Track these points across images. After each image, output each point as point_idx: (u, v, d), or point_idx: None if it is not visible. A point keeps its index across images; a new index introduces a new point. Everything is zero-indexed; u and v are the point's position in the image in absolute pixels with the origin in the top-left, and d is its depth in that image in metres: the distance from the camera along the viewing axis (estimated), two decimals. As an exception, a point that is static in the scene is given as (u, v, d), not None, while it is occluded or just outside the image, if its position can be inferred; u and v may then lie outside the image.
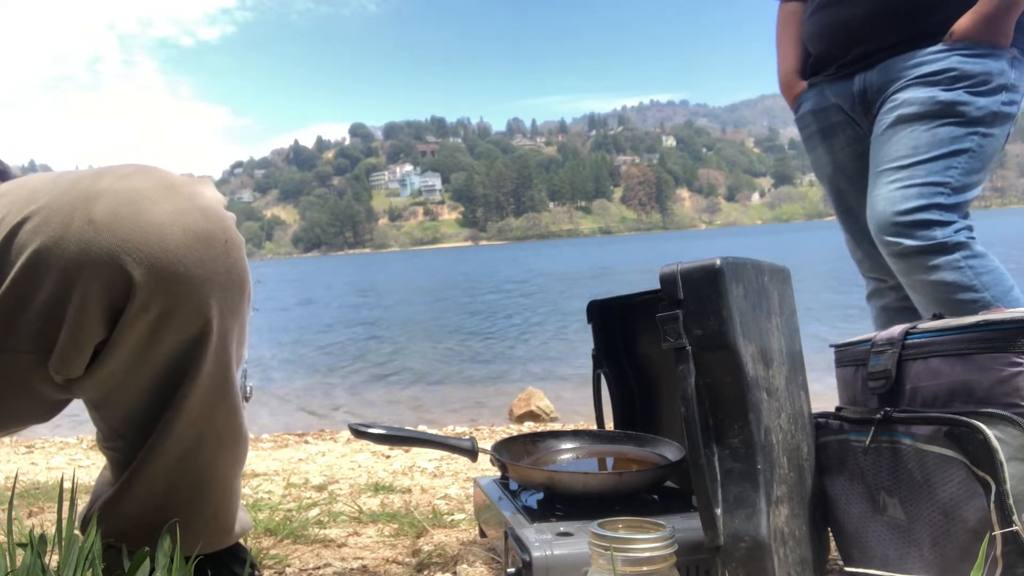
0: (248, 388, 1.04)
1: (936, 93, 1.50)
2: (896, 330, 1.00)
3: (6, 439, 3.11)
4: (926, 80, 1.51)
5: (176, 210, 0.77)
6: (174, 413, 0.83)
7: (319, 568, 1.26)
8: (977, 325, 0.89)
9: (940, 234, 1.44)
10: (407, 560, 1.29)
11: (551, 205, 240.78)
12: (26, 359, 0.78)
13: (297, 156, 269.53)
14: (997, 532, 0.78)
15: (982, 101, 1.48)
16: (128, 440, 0.88)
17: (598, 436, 1.35)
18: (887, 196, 1.50)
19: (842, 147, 1.72)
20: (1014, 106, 1.52)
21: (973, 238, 1.46)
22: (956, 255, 1.43)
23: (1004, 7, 1.46)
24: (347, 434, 2.80)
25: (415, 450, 2.41)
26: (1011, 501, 0.78)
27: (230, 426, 0.89)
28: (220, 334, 0.83)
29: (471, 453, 1.23)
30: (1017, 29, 1.49)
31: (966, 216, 1.49)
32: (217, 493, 0.92)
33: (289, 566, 1.27)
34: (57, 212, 0.74)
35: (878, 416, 0.95)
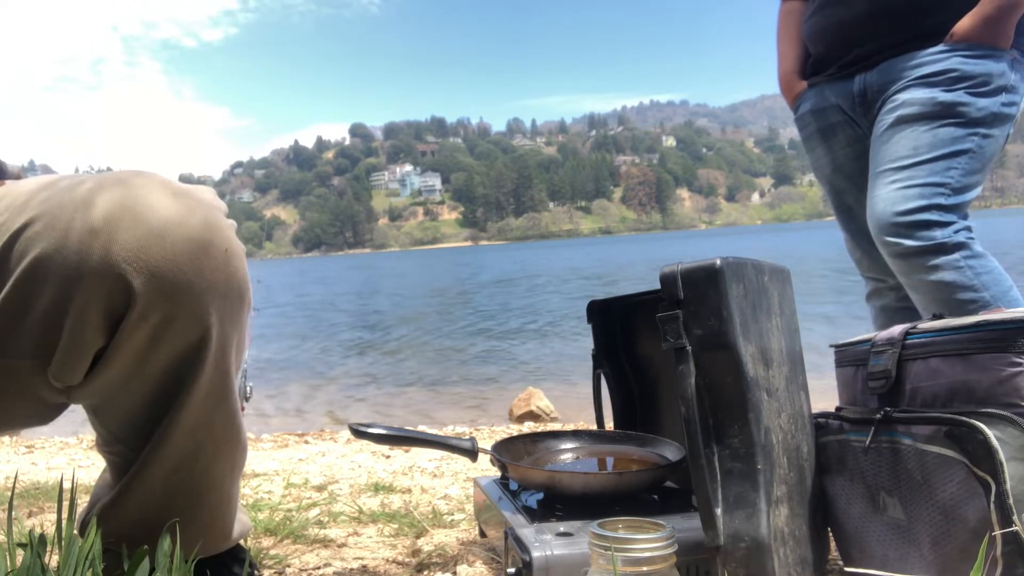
0: (248, 388, 1.04)
1: (937, 94, 1.50)
2: (896, 330, 1.00)
3: (6, 439, 3.11)
4: (927, 81, 1.51)
5: (177, 218, 0.76)
6: (173, 420, 0.83)
7: (319, 568, 1.26)
8: (977, 325, 0.89)
9: (940, 234, 1.44)
10: (407, 560, 1.29)
11: (551, 205, 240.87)
12: (26, 365, 0.78)
13: (297, 156, 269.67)
14: (997, 532, 0.78)
15: (982, 102, 1.48)
16: (127, 445, 0.88)
17: (598, 436, 1.35)
18: (887, 197, 1.50)
19: (841, 147, 1.72)
20: (1014, 107, 1.52)
21: (973, 238, 1.46)
22: (956, 255, 1.43)
23: (1006, 9, 1.46)
24: (347, 434, 2.80)
25: (415, 450, 2.41)
26: (1011, 501, 0.78)
27: (228, 433, 0.89)
28: (219, 342, 0.83)
29: (471, 453, 1.23)
30: (1017, 31, 1.49)
31: (965, 216, 1.49)
32: (215, 499, 0.92)
33: (289, 566, 1.27)
34: (57, 219, 0.74)
35: (878, 416, 0.95)
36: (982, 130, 1.49)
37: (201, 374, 0.82)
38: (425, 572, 1.22)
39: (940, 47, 1.51)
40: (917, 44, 1.54)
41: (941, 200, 1.46)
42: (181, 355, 0.81)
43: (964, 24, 1.49)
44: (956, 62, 1.49)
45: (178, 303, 0.77)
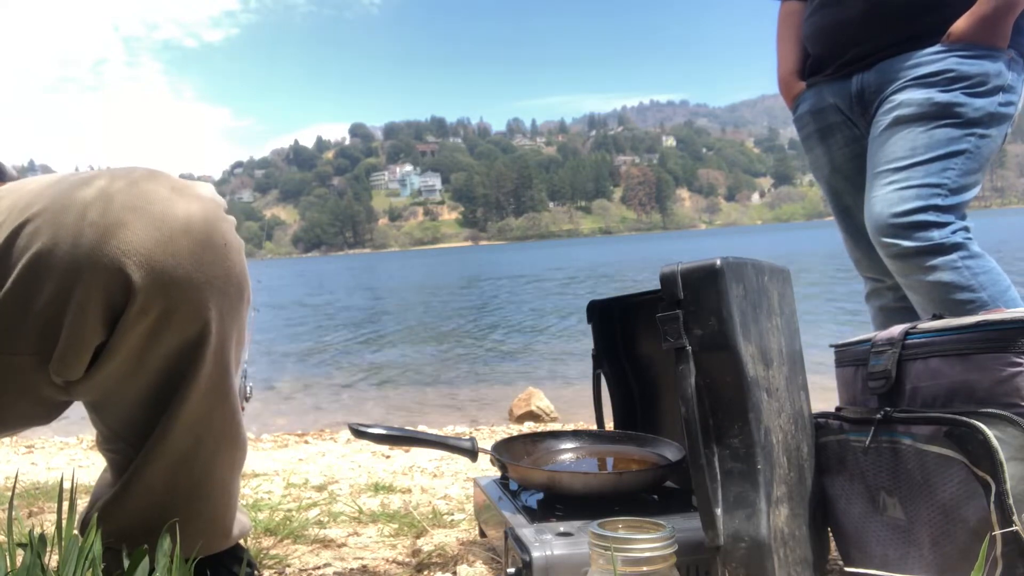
0: (248, 388, 1.04)
1: (933, 94, 1.50)
2: (896, 330, 1.01)
3: (6, 439, 3.11)
4: (923, 81, 1.51)
5: (177, 213, 0.77)
6: (173, 415, 0.83)
7: (319, 568, 1.26)
8: (977, 325, 0.89)
9: (937, 235, 1.44)
10: (407, 560, 1.29)
11: (551, 205, 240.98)
12: (27, 361, 0.78)
13: (297, 156, 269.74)
14: (997, 532, 0.78)
15: (979, 102, 1.48)
16: (128, 442, 0.88)
17: (598, 436, 1.35)
18: (884, 198, 1.50)
19: (840, 147, 1.73)
20: (1011, 107, 1.52)
21: (970, 239, 1.46)
22: (953, 256, 1.43)
23: (1002, 9, 1.46)
24: (347, 434, 2.80)
25: (415, 450, 2.41)
26: (1011, 501, 0.78)
27: (228, 429, 0.89)
28: (219, 337, 0.83)
29: (471, 453, 1.23)
30: (1014, 31, 1.49)
31: (963, 217, 1.49)
32: (215, 495, 0.92)
33: (289, 566, 1.27)
34: (58, 215, 0.74)
35: (878, 416, 0.95)
36: (979, 130, 1.49)
37: (201, 369, 0.82)
38: (425, 572, 1.22)
39: (937, 47, 1.52)
40: (914, 44, 1.54)
41: (938, 201, 1.46)
42: (181, 349, 0.81)
43: (960, 24, 1.49)
44: (953, 62, 1.49)
45: (177, 297, 0.77)
